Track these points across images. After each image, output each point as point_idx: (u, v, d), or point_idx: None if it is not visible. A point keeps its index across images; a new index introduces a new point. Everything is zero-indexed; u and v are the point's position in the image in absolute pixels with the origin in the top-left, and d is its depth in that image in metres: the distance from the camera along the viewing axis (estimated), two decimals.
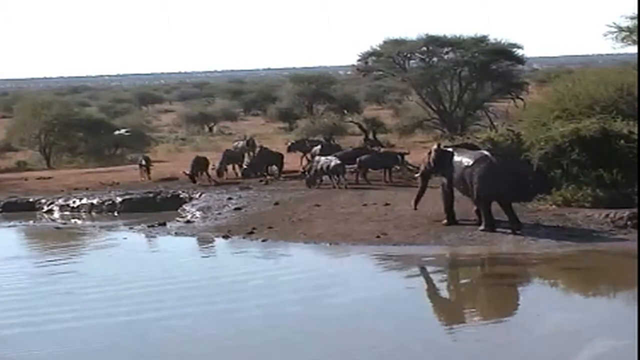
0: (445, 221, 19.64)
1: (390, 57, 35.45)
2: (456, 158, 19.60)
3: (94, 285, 16.27)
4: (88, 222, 24.26)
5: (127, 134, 38.83)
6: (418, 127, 37.57)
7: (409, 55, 35.76)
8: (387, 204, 21.88)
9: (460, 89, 35.22)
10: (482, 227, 18.98)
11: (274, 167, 28.52)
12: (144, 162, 28.93)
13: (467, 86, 35.29)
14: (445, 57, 35.56)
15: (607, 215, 19.26)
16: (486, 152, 19.61)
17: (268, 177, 27.69)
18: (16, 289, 16.51)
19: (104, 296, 15.46)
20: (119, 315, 14.11)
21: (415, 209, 20.50)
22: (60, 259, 19.15)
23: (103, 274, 17.33)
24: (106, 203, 25.48)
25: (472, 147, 20.56)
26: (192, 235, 20.73)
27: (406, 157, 26.79)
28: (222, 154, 29.10)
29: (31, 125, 38.26)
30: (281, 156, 28.68)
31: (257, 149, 29.52)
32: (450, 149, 20.09)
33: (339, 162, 25.31)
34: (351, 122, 40.46)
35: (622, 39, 26.84)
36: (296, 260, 18.13)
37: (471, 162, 19.09)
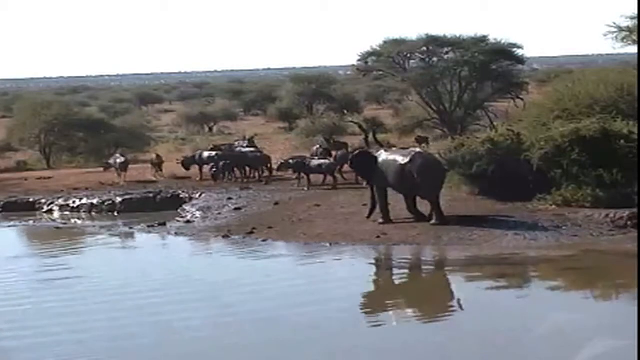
0: (381, 220, 20.16)
1: (390, 57, 35.38)
2: (389, 157, 20.28)
3: (94, 289, 16.17)
4: (88, 222, 24.27)
5: None
6: (418, 127, 37.55)
7: (409, 55, 35.68)
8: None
9: (460, 89, 35.17)
10: (433, 222, 19.56)
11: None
12: (156, 160, 29.21)
13: (467, 86, 35.23)
14: (445, 57, 35.49)
15: (607, 215, 19.27)
16: (419, 150, 20.62)
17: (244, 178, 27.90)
18: (14, 292, 16.40)
19: (104, 299, 15.36)
20: (119, 319, 14.05)
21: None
22: (60, 260, 19.14)
23: (103, 276, 17.27)
24: (106, 203, 25.49)
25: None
26: (192, 235, 20.73)
27: None
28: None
29: (31, 125, 38.23)
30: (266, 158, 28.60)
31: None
32: (372, 152, 21.02)
33: (331, 162, 25.41)
34: (351, 122, 40.45)
35: (622, 39, 26.84)
36: (296, 260, 18.13)
37: (408, 160, 19.82)
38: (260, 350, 12.35)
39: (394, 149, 21.73)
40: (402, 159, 19.99)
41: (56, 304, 15.13)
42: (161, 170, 28.99)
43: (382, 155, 20.54)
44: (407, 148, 22.16)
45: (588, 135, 20.71)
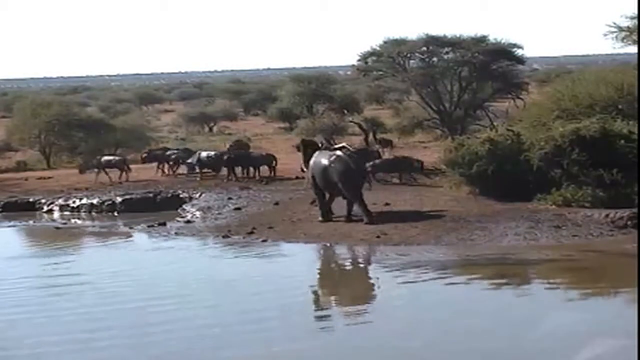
0: (320, 218, 20.79)
1: (391, 57, 35.35)
2: (318, 157, 21.09)
3: (93, 291, 16.08)
4: (88, 222, 24.26)
5: None
6: (418, 127, 37.55)
7: (409, 55, 35.64)
8: (387, 204, 21.89)
9: (460, 89, 35.15)
10: (365, 222, 20.11)
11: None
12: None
13: (467, 86, 35.21)
14: (445, 57, 35.46)
15: (607, 215, 19.28)
16: (340, 152, 21.07)
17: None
18: (13, 295, 16.31)
19: (101, 301, 15.30)
20: (120, 319, 14.07)
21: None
22: (60, 261, 19.10)
23: (102, 278, 17.13)
24: (106, 203, 25.48)
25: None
26: (192, 235, 20.72)
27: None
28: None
29: (31, 125, 38.21)
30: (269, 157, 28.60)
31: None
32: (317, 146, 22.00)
33: None
34: (351, 122, 40.46)
35: (622, 39, 26.82)
36: (296, 260, 18.12)
37: (328, 162, 20.55)
38: (261, 349, 12.35)
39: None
40: (325, 161, 20.65)
41: (56, 308, 15.06)
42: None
43: (317, 153, 21.29)
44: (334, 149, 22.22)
45: (588, 135, 20.73)
